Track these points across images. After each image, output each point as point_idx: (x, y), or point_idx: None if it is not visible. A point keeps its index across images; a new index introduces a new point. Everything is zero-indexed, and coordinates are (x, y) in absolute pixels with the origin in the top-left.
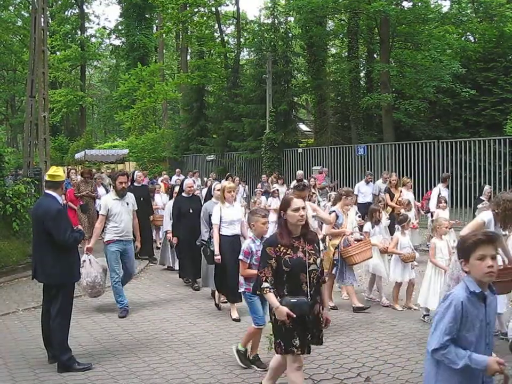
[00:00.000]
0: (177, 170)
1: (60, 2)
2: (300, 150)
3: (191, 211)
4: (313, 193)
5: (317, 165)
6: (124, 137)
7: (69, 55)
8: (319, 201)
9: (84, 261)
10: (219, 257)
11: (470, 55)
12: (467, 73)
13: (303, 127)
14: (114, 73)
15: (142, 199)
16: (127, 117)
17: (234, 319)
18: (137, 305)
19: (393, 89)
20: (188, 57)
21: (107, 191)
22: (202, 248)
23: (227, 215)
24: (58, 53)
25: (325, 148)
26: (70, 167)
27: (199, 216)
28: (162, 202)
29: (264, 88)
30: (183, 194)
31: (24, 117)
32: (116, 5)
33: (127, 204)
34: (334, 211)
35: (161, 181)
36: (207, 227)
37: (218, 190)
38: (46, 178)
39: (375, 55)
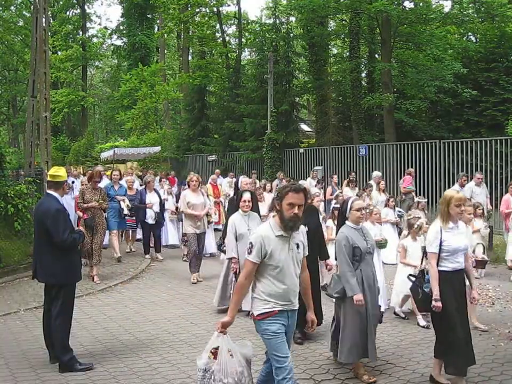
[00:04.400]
0: (216, 171)
1: (61, 2)
2: (301, 150)
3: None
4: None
5: (318, 165)
6: (126, 138)
7: (70, 55)
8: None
9: (217, 348)
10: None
11: (472, 55)
12: (468, 74)
13: (304, 127)
14: (116, 73)
15: None
16: (129, 117)
17: None
18: (139, 305)
19: (395, 89)
20: (189, 57)
21: (161, 201)
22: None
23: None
24: (59, 53)
25: (326, 148)
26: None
27: None
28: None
29: (266, 88)
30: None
31: (26, 117)
32: (117, 5)
33: (297, 247)
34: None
35: (209, 183)
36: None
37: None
38: (47, 178)
39: (376, 55)
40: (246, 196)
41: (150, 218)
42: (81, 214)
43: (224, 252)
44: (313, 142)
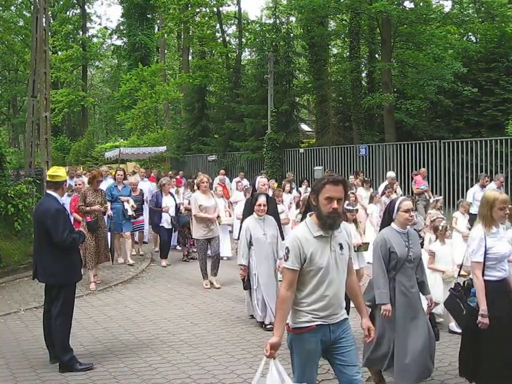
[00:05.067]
0: (221, 171)
1: (61, 2)
2: (301, 150)
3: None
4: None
5: (318, 165)
6: (126, 137)
7: (70, 55)
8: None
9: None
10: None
11: (472, 55)
12: (469, 73)
13: (304, 127)
14: (116, 73)
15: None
16: (129, 117)
17: None
18: (139, 305)
19: (395, 89)
20: (190, 57)
21: (177, 204)
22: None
23: None
24: (60, 53)
25: (327, 148)
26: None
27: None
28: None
29: (266, 88)
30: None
31: (26, 117)
32: (117, 5)
33: (341, 248)
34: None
35: (217, 183)
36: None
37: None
38: (47, 178)
39: (376, 55)
40: (261, 199)
41: (166, 222)
42: (79, 217)
43: None
44: (313, 142)
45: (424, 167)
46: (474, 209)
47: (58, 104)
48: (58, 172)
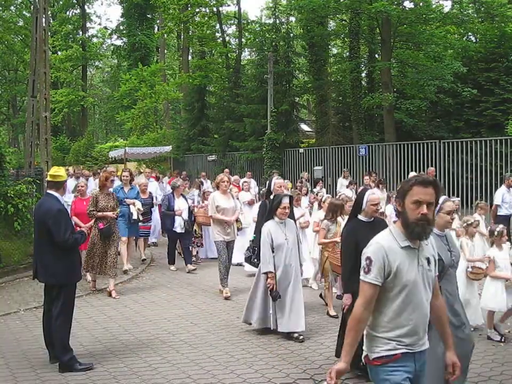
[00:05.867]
0: (225, 170)
1: (61, 2)
2: (301, 150)
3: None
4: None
5: (318, 165)
6: (125, 137)
7: (70, 55)
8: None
9: None
10: None
11: (472, 55)
12: (468, 74)
13: (304, 127)
14: (116, 73)
15: None
16: (129, 117)
17: None
18: (139, 305)
19: (395, 89)
20: (189, 57)
21: (189, 208)
22: None
23: None
24: (59, 53)
25: (326, 148)
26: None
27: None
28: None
29: (266, 88)
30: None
31: (26, 117)
32: (117, 5)
33: (428, 263)
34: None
35: (232, 184)
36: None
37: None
38: (47, 178)
39: (376, 55)
40: (286, 202)
41: (179, 226)
42: (79, 221)
43: (255, 265)
44: (313, 142)
45: (424, 167)
46: (504, 211)
47: (58, 104)
48: (59, 171)
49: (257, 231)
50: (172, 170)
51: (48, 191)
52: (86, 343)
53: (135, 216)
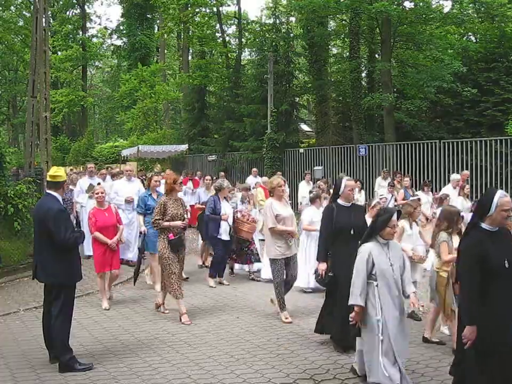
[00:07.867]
0: (253, 170)
1: (61, 2)
2: (301, 150)
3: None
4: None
5: (318, 165)
6: (126, 138)
7: (70, 55)
8: None
9: None
10: None
11: (472, 55)
12: (468, 74)
13: (304, 127)
14: (116, 73)
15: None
16: (129, 117)
17: None
18: (139, 305)
19: (395, 89)
20: (189, 57)
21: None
22: None
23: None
24: (59, 53)
25: (326, 148)
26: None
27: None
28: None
29: (266, 88)
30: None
31: (26, 117)
32: (117, 5)
33: None
34: None
35: (258, 185)
36: None
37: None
38: (47, 178)
39: (376, 55)
40: (395, 218)
41: (225, 233)
42: (103, 237)
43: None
44: (313, 142)
45: (424, 167)
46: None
47: (58, 104)
48: (59, 172)
49: (322, 243)
50: (172, 170)
51: (48, 191)
52: (86, 343)
53: None
